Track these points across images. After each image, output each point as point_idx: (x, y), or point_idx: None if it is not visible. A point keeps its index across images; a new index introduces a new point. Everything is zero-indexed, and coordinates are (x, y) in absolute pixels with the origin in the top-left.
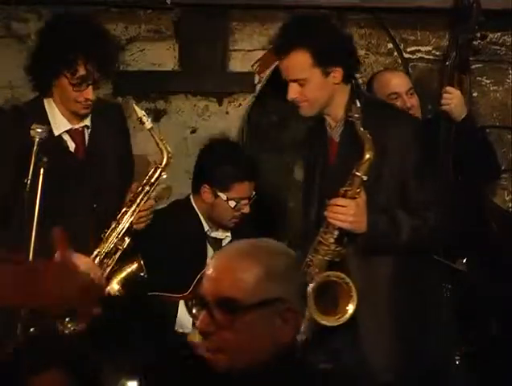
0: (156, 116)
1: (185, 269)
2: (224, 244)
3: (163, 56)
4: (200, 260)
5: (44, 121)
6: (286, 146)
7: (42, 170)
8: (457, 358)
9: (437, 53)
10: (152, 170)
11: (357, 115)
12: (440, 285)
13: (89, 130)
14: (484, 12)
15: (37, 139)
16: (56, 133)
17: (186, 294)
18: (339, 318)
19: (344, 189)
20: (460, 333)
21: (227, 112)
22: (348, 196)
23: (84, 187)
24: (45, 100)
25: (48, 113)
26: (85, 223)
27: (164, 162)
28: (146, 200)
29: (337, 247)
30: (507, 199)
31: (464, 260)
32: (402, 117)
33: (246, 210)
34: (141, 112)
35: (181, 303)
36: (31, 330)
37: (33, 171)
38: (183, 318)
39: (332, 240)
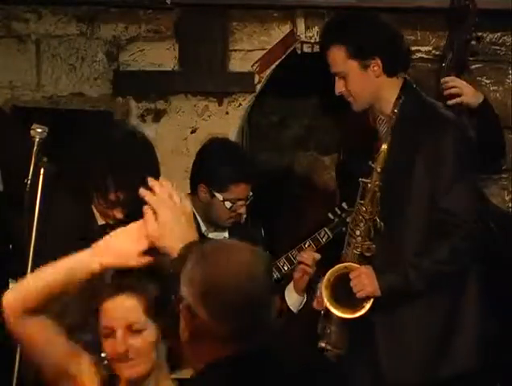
0: (156, 116)
1: None
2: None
3: (163, 56)
4: None
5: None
6: (287, 146)
7: (42, 170)
8: None
9: (437, 53)
10: None
11: (396, 110)
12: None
13: None
14: (484, 12)
15: (37, 139)
16: (99, 223)
17: None
18: (355, 311)
19: (363, 181)
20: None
21: (227, 113)
22: (368, 189)
23: None
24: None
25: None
26: None
27: None
28: None
29: (365, 241)
30: (507, 198)
31: None
32: (442, 121)
33: (242, 211)
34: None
35: None
36: None
37: (33, 171)
38: None
39: (358, 233)
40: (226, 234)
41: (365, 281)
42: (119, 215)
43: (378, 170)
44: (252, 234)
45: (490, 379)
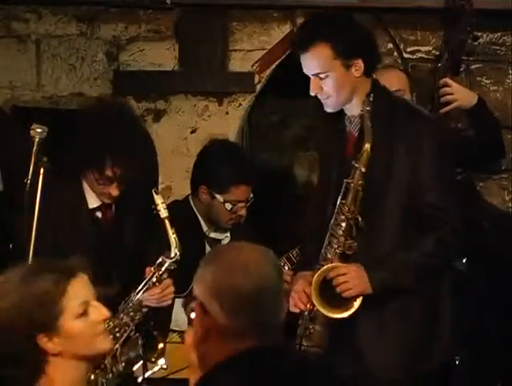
0: (156, 116)
1: (184, 270)
2: (223, 244)
3: (163, 56)
4: (199, 261)
5: (82, 193)
6: (287, 146)
7: (42, 170)
8: (457, 358)
9: (437, 53)
10: (160, 260)
11: (368, 108)
12: (448, 291)
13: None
14: (483, 12)
15: (37, 139)
16: (90, 207)
17: (184, 295)
18: (345, 310)
19: (347, 181)
20: (460, 333)
21: (227, 113)
22: (351, 189)
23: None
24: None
25: (84, 188)
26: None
27: (172, 256)
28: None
29: (347, 240)
30: (507, 198)
31: (464, 260)
32: (418, 118)
33: (243, 212)
34: (160, 200)
35: (177, 302)
36: None
37: (33, 171)
38: (180, 316)
39: (340, 232)
40: (228, 233)
41: (355, 280)
42: (115, 192)
43: (362, 169)
44: (253, 234)
45: (490, 379)
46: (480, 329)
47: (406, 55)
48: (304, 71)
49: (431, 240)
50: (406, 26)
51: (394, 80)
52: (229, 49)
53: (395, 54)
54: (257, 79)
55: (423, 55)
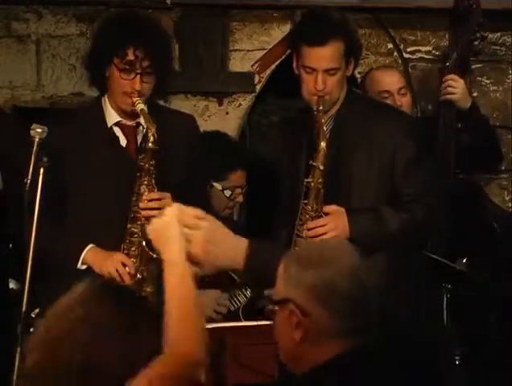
0: None
1: None
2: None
3: None
4: None
5: (101, 116)
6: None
7: (42, 170)
8: (457, 358)
9: (437, 53)
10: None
11: (321, 108)
12: (434, 283)
13: (144, 130)
14: (484, 12)
15: (37, 139)
16: (109, 125)
17: None
18: None
19: (306, 180)
20: (459, 333)
21: (227, 113)
22: (312, 188)
23: (127, 188)
24: (102, 98)
25: (104, 108)
26: (120, 227)
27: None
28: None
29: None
30: (507, 198)
31: (464, 260)
32: (390, 113)
33: (240, 199)
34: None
35: None
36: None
37: (33, 171)
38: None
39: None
40: None
41: (333, 231)
42: (138, 85)
43: (321, 167)
44: (243, 230)
45: (490, 379)
46: (480, 329)
47: (406, 55)
48: (314, 65)
49: (400, 218)
50: (406, 26)
51: (383, 81)
52: (229, 49)
53: (395, 54)
54: (257, 79)
55: (423, 55)
